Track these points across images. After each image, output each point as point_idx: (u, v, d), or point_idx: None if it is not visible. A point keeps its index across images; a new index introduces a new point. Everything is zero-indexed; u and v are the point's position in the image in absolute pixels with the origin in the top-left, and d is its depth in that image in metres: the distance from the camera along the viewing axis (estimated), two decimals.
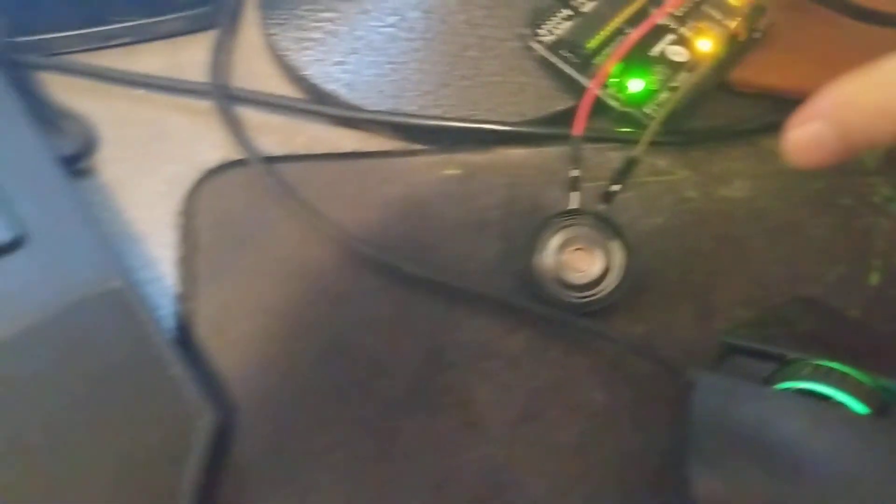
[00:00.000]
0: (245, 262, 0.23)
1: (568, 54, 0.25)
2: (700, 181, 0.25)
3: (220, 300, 0.22)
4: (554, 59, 0.25)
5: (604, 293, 0.22)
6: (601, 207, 0.23)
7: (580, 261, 0.22)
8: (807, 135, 0.19)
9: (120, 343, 0.20)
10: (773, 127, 0.25)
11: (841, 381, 0.17)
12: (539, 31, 0.26)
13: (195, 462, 0.19)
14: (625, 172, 0.23)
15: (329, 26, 0.27)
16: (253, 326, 0.22)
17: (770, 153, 0.26)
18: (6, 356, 0.19)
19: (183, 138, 0.26)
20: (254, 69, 0.28)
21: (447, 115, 0.26)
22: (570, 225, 0.23)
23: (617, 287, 0.22)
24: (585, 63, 0.25)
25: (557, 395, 0.21)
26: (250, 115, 0.27)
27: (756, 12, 0.26)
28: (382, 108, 0.26)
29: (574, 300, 0.22)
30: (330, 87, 0.27)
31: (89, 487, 0.18)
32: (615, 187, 0.23)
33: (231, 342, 0.22)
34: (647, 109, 0.25)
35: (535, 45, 0.26)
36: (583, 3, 0.26)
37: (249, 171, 0.25)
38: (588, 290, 0.22)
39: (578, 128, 0.24)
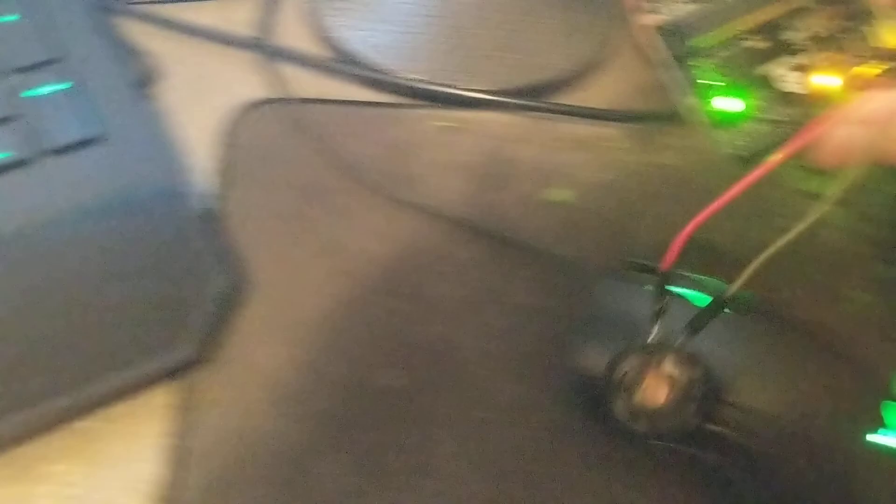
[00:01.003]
0: (270, 176, 0.30)
1: (673, 40, 0.22)
2: (640, 149, 0.31)
3: (246, 202, 0.29)
4: (661, 41, 0.22)
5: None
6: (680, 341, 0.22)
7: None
8: (845, 136, 0.19)
9: (166, 222, 0.26)
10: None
11: (692, 283, 0.24)
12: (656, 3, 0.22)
13: (206, 311, 0.25)
14: (713, 312, 0.21)
15: None
16: (268, 224, 0.28)
17: (696, 129, 0.32)
18: (78, 219, 0.26)
19: (229, 79, 0.32)
20: (293, 29, 0.34)
21: (436, 81, 0.32)
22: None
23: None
24: (682, 59, 0.22)
25: (494, 293, 0.28)
26: (286, 68, 0.33)
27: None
28: (397, 69, 0.32)
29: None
30: (354, 47, 0.33)
31: (121, 322, 0.25)
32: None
33: (250, 233, 0.28)
34: (726, 137, 0.22)
35: (643, 18, 0.22)
36: None
37: (282, 107, 0.31)
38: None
39: (668, 263, 0.22)
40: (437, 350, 0.26)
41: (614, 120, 0.32)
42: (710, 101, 0.22)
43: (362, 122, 0.31)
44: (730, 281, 0.23)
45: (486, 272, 0.28)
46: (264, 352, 0.25)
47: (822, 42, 0.21)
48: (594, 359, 0.24)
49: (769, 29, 0.22)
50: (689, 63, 0.22)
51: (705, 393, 0.22)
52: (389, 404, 0.25)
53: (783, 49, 0.21)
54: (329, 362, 0.25)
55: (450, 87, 0.32)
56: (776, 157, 0.20)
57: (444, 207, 0.29)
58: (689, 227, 0.22)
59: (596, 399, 0.24)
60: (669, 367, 0.22)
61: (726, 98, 0.21)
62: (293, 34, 0.34)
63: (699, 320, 0.22)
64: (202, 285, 0.25)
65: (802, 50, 0.21)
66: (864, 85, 0.20)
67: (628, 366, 0.22)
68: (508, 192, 0.30)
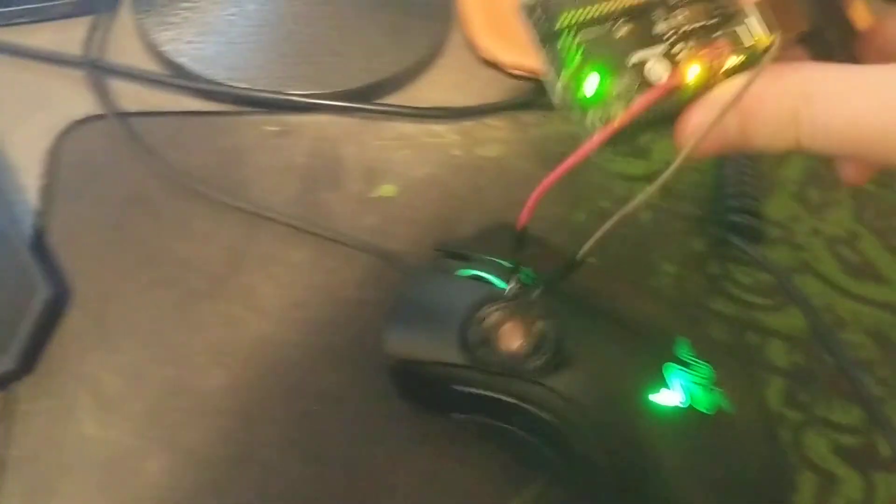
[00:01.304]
0: (96, 189, 0.30)
1: (540, 20, 0.21)
2: (465, 143, 0.33)
3: (71, 216, 0.29)
4: (526, 19, 0.21)
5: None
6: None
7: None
8: (711, 122, 0.19)
9: None
10: (529, 104, 0.33)
11: (492, 267, 0.25)
12: None
13: (28, 324, 0.25)
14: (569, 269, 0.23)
15: (185, 13, 0.34)
16: (93, 236, 0.29)
17: (523, 124, 0.34)
18: None
19: (60, 98, 0.32)
20: (125, 46, 0.34)
21: (266, 88, 0.33)
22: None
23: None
24: (551, 37, 0.21)
25: (321, 291, 0.28)
26: (118, 84, 0.33)
27: (763, 54, 0.20)
28: (228, 79, 0.33)
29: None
30: (185, 60, 0.33)
31: None
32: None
33: (75, 246, 0.28)
34: (590, 115, 0.21)
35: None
36: None
37: (111, 122, 0.31)
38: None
39: (522, 222, 0.23)
40: (263, 348, 0.26)
41: (440, 117, 0.33)
42: (575, 84, 0.21)
43: (193, 131, 0.32)
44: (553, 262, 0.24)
45: (314, 271, 0.29)
46: (89, 360, 0.26)
47: (688, 35, 0.21)
48: (403, 344, 0.25)
49: (637, 14, 0.21)
50: (556, 44, 0.21)
51: (555, 347, 0.23)
52: (214, 402, 0.25)
53: (650, 38, 0.21)
54: (153, 366, 0.26)
55: (279, 92, 0.33)
56: (621, 120, 0.20)
57: (274, 210, 0.29)
58: (542, 186, 0.23)
59: (410, 382, 0.25)
60: (526, 316, 0.23)
61: (590, 81, 0.21)
62: (126, 51, 0.34)
63: (552, 280, 0.24)
64: (25, 299, 0.26)
65: (668, 41, 0.21)
66: (724, 75, 0.21)
67: (490, 313, 0.23)
68: (337, 191, 0.31)
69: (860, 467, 0.26)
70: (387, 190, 0.31)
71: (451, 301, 0.25)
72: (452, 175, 0.32)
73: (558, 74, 0.21)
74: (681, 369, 0.23)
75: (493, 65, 0.35)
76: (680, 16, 0.21)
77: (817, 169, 0.33)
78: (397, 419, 0.25)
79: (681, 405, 0.23)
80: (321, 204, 0.30)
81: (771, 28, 0.20)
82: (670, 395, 0.23)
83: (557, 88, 0.21)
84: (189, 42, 0.34)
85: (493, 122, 0.34)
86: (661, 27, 0.21)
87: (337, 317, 0.28)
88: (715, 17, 0.21)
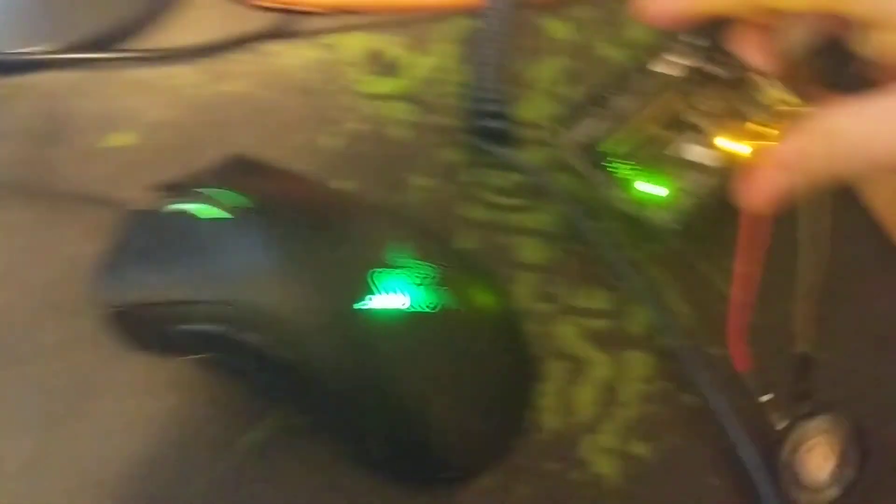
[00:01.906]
0: None
1: (587, 154, 0.24)
2: (206, 81, 0.31)
3: None
4: (575, 160, 0.24)
5: None
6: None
7: None
8: (774, 186, 0.22)
9: None
10: (273, 35, 0.31)
11: (207, 199, 0.24)
12: (564, 129, 0.25)
13: None
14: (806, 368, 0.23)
15: None
16: None
17: (267, 54, 0.32)
18: None
19: None
20: None
21: None
22: None
23: None
24: (601, 165, 0.24)
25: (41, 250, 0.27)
26: None
27: (789, 111, 0.23)
28: None
29: None
30: None
31: None
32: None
33: None
34: (662, 216, 0.24)
35: (560, 146, 0.25)
36: (609, 99, 0.25)
37: None
38: None
39: (743, 365, 0.23)
40: None
41: (179, 57, 0.32)
42: (634, 191, 0.24)
43: None
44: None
45: (35, 230, 0.27)
46: None
47: (719, 116, 0.24)
48: (120, 289, 0.23)
49: (668, 117, 0.24)
50: (608, 166, 0.24)
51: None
52: None
53: (687, 130, 0.24)
54: None
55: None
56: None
57: None
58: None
59: (130, 327, 0.24)
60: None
61: (648, 183, 0.24)
62: None
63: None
64: None
65: (703, 127, 0.24)
66: (767, 140, 0.23)
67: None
68: (63, 146, 0.29)
69: (609, 348, 0.26)
70: (119, 139, 0.30)
71: (162, 238, 0.23)
72: (193, 115, 0.30)
73: (620, 192, 0.24)
74: (397, 273, 0.23)
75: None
76: (699, 104, 0.24)
77: (571, 67, 0.33)
78: (125, 369, 0.24)
79: (401, 308, 0.22)
80: (46, 161, 0.28)
81: (780, 85, 0.24)
82: (388, 300, 0.22)
83: (623, 204, 0.24)
84: None
85: (236, 56, 0.32)
86: (687, 118, 0.24)
87: (58, 273, 0.26)
88: (730, 93, 0.24)
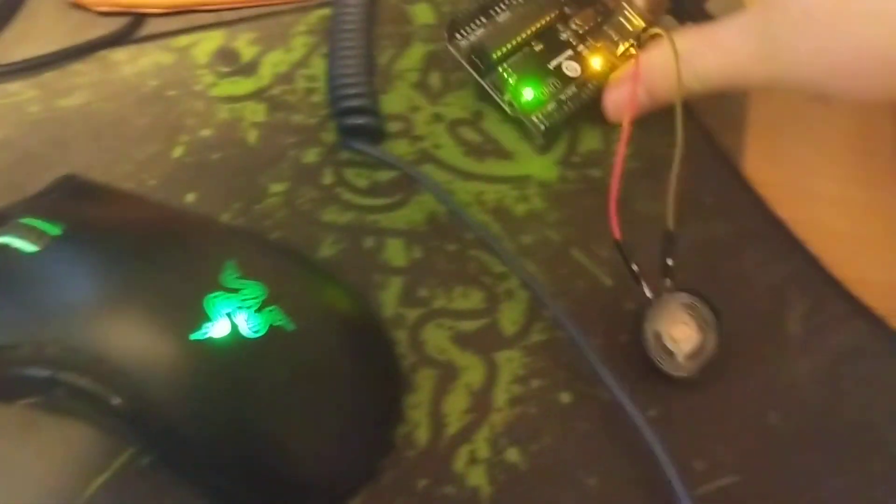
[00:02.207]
0: None
1: (476, 59, 0.28)
2: (44, 96, 0.29)
3: None
4: (465, 62, 0.28)
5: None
6: (668, 284, 0.24)
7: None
8: (625, 95, 0.26)
9: None
10: (119, 40, 0.29)
11: (18, 229, 0.22)
12: (456, 35, 0.28)
13: None
14: (671, 245, 0.24)
15: None
16: None
17: (113, 63, 0.30)
18: None
19: None
20: None
21: None
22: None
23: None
24: (489, 70, 0.28)
25: None
26: None
27: (646, 35, 0.28)
28: None
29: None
30: None
31: None
32: (670, 261, 0.24)
33: None
34: (535, 117, 0.28)
35: (451, 48, 0.28)
36: (497, 13, 0.29)
37: None
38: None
39: (618, 234, 0.25)
40: None
41: (14, 72, 0.29)
42: (520, 95, 0.28)
43: None
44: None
45: None
46: None
47: (588, 34, 0.29)
48: None
49: (545, 33, 0.29)
50: (493, 74, 0.28)
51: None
52: None
53: (562, 45, 0.29)
54: None
55: None
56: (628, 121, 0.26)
57: None
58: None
59: None
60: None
61: (528, 90, 0.28)
62: None
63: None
64: None
65: (573, 44, 0.29)
66: (621, 58, 0.29)
67: None
68: None
69: (481, 351, 0.25)
70: None
71: None
72: (29, 134, 0.28)
73: (502, 95, 0.28)
74: (233, 296, 0.21)
75: (80, 5, 0.32)
76: (573, 24, 0.29)
77: (438, 53, 0.31)
78: None
79: (242, 333, 0.21)
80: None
81: (642, 14, 0.30)
82: (225, 326, 0.21)
83: (505, 105, 0.28)
84: None
85: (78, 67, 0.30)
86: (564, 36, 0.29)
87: None
88: (600, 17, 0.30)
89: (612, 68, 0.29)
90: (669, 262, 0.25)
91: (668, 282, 0.25)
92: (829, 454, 0.24)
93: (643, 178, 0.28)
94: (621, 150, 0.26)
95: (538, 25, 0.29)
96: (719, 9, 0.30)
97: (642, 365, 0.24)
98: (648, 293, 0.24)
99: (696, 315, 0.24)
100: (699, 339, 0.24)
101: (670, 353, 0.24)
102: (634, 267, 0.25)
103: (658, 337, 0.24)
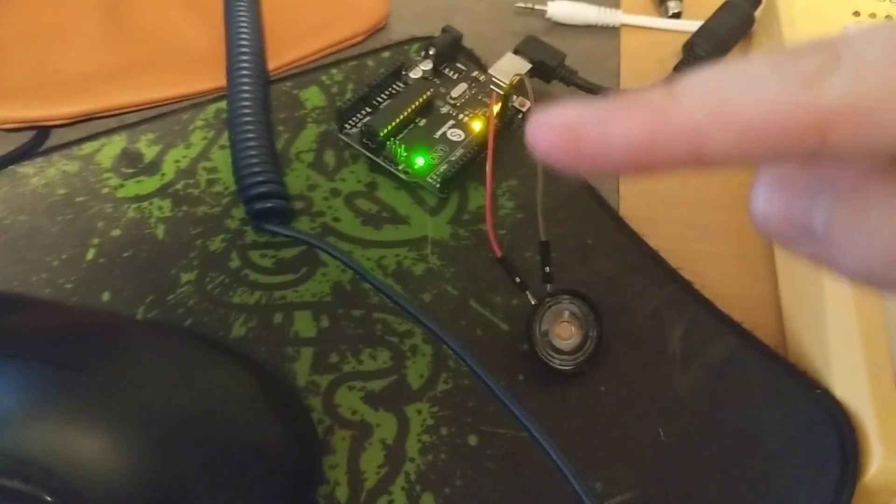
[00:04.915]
0: None
1: (367, 141, 0.32)
2: None
3: None
4: (358, 147, 0.32)
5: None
6: (549, 288, 0.28)
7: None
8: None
9: None
10: (25, 154, 0.31)
11: None
12: (345, 126, 0.33)
13: None
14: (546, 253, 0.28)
15: None
16: None
17: (21, 176, 0.32)
18: None
19: None
20: None
21: None
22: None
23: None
24: (380, 147, 0.32)
25: None
26: None
27: (510, 95, 0.33)
28: None
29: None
30: None
31: None
32: (548, 269, 0.28)
33: None
34: (429, 178, 0.31)
35: (343, 137, 0.33)
36: (379, 102, 0.33)
37: None
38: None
39: (496, 250, 0.29)
40: None
41: None
42: (413, 164, 0.32)
43: None
44: None
45: None
46: None
47: (466, 104, 0.34)
48: None
49: (425, 109, 0.33)
50: (384, 150, 0.32)
51: None
52: None
53: (444, 118, 0.33)
54: None
55: None
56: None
57: None
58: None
59: None
60: None
61: (419, 158, 0.32)
62: None
63: None
64: None
65: (453, 115, 0.33)
66: (497, 117, 0.32)
67: None
68: None
69: (392, 407, 0.27)
70: None
71: None
72: None
73: (396, 166, 0.32)
74: None
75: None
76: (450, 99, 0.33)
77: (330, 132, 0.34)
78: None
79: None
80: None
81: (508, 78, 0.33)
82: None
83: (400, 174, 0.32)
84: None
85: None
86: (444, 109, 0.33)
87: None
88: (474, 89, 0.34)
89: (493, 127, 0.31)
90: (547, 269, 0.28)
91: (548, 287, 0.28)
92: (714, 459, 0.26)
93: (528, 228, 0.31)
94: (489, 167, 0.31)
95: (417, 103, 0.32)
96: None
97: (541, 399, 0.27)
98: (532, 300, 0.28)
99: (577, 313, 0.27)
100: (582, 333, 0.27)
101: (558, 351, 0.27)
102: (517, 279, 0.28)
103: (546, 335, 0.27)
